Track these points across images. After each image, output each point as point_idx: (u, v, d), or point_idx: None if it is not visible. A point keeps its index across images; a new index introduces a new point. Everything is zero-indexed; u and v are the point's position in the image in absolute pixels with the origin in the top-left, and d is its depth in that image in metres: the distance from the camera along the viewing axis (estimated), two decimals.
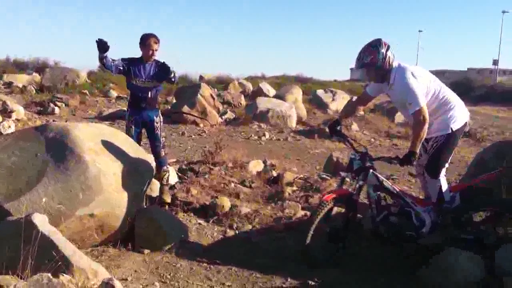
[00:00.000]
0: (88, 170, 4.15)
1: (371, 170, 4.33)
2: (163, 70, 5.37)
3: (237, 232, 5.18)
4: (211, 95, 15.90)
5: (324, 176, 7.54)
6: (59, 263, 3.19)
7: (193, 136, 12.56)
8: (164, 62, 5.45)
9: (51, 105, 16.05)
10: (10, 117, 13.20)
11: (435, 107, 4.22)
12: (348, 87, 30.38)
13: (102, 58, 5.13)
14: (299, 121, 15.90)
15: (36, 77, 21.80)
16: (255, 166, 7.54)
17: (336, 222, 4.44)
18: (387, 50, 4.17)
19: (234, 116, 16.17)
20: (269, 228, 5.24)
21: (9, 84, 19.73)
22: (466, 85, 35.32)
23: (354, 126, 14.48)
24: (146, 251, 4.44)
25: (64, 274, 3.12)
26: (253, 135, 13.05)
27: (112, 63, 5.27)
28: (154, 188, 5.71)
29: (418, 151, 4.10)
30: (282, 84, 26.33)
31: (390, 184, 4.48)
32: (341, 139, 4.80)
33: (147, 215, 4.66)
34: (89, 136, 4.49)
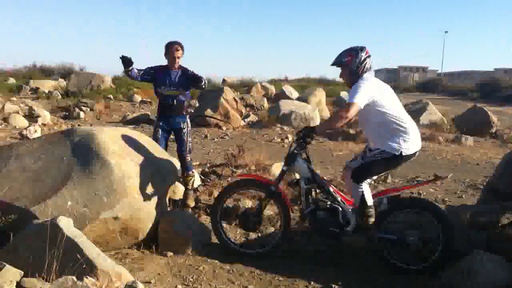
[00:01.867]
0: (113, 174, 4.20)
1: (298, 157, 4.45)
2: (194, 80, 5.47)
3: (259, 234, 5.17)
4: (234, 98, 15.94)
5: None
6: (84, 265, 3.22)
7: (216, 139, 12.60)
8: (194, 72, 5.56)
9: (76, 109, 16.31)
10: (36, 121, 13.49)
11: (389, 124, 4.18)
12: None
13: (127, 72, 5.28)
14: None
15: (62, 82, 22.23)
16: (278, 168, 7.50)
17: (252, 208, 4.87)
18: (365, 58, 4.23)
19: (257, 119, 16.17)
20: (291, 231, 5.22)
21: (35, 90, 20.14)
22: (493, 86, 34.64)
23: None
24: (169, 254, 4.46)
25: (88, 277, 3.15)
26: (276, 138, 13.02)
27: (137, 74, 5.41)
28: (177, 191, 5.73)
29: (319, 133, 4.26)
30: (304, 86, 26.25)
31: (325, 180, 4.66)
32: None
33: (170, 218, 4.68)
34: (113, 140, 4.54)
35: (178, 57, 5.51)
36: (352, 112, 4.00)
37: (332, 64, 4.37)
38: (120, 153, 4.45)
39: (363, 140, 12.61)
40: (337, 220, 4.40)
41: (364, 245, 4.42)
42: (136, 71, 5.35)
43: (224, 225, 5.34)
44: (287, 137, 12.94)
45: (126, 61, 5.21)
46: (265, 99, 20.04)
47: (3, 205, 3.84)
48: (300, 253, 4.73)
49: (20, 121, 13.27)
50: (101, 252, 3.48)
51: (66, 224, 3.50)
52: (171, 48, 5.47)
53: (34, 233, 3.48)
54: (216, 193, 6.20)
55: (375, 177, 4.47)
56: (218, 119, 14.37)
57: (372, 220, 4.25)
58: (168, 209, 5.09)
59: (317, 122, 15.23)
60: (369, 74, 4.26)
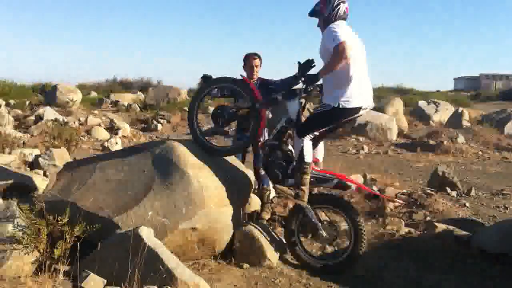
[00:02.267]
0: (191, 185, 4.26)
1: (297, 98, 4.41)
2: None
3: (336, 248, 5.05)
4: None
5: (429, 191, 7.19)
6: (164, 275, 3.28)
7: None
8: (273, 80, 5.56)
9: (154, 122, 16.86)
10: (117, 134, 14.08)
11: (337, 76, 4.05)
12: (453, 98, 28.97)
13: (208, 91, 5.32)
14: (400, 133, 15.38)
15: (140, 95, 23.11)
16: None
17: None
18: (338, 3, 4.15)
19: None
20: (370, 245, 5.06)
21: (116, 103, 21.04)
22: None
23: (461, 139, 13.72)
24: (246, 265, 4.44)
25: (168, 287, 3.19)
26: (350, 149, 12.81)
27: (217, 91, 5.46)
28: (252, 203, 5.73)
29: (321, 77, 4.09)
30: (380, 95, 25.68)
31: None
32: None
33: (246, 230, 4.67)
34: (191, 152, 4.60)
35: (257, 66, 5.53)
36: (348, 51, 3.83)
37: (309, 15, 4.35)
38: (198, 165, 4.51)
39: (443, 151, 12.16)
40: (286, 168, 4.47)
41: (288, 196, 4.42)
42: (216, 90, 5.39)
43: (301, 238, 5.28)
44: (362, 148, 12.68)
45: (207, 79, 5.23)
46: None
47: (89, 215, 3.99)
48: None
49: (102, 134, 13.89)
50: (180, 262, 3.53)
51: (147, 234, 3.59)
52: (249, 59, 5.50)
53: (117, 243, 3.60)
54: (291, 205, 6.15)
55: (317, 133, 4.35)
56: None
57: (306, 177, 4.25)
58: (244, 221, 5.09)
59: (394, 133, 14.84)
60: (341, 22, 4.17)
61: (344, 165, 8.56)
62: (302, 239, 4.85)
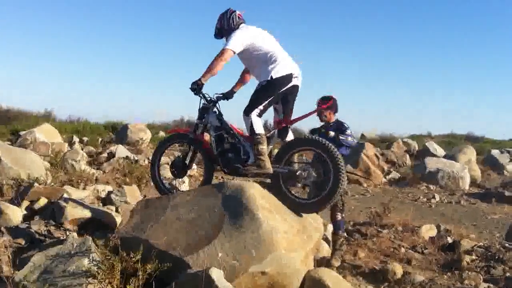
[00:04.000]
0: (261, 228, 4.21)
1: (210, 110, 5.11)
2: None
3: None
4: (375, 154, 15.57)
5: (507, 245, 6.75)
6: None
7: (356, 196, 12.29)
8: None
9: None
10: None
11: (260, 59, 4.79)
12: None
13: None
14: (473, 183, 14.74)
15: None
16: (428, 231, 7.05)
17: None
18: (230, 15, 4.91)
19: (399, 176, 15.56)
20: None
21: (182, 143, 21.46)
22: None
23: None
24: None
25: None
26: (421, 197, 12.35)
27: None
28: (321, 249, 5.60)
29: (204, 82, 4.77)
30: (450, 143, 24.88)
31: (229, 124, 5.09)
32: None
33: (317, 277, 4.53)
34: (261, 194, 4.59)
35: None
36: (227, 56, 4.66)
37: (215, 37, 5.08)
38: (268, 207, 4.47)
39: None
40: (240, 157, 4.88)
41: (256, 173, 4.75)
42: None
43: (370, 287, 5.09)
44: (433, 197, 12.20)
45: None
46: (407, 156, 19.26)
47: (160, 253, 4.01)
48: None
49: (168, 173, 14.10)
50: None
51: (218, 275, 3.57)
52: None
53: (188, 283, 3.60)
54: (361, 253, 5.96)
55: (261, 107, 4.79)
56: (359, 175, 14.05)
57: (262, 147, 4.64)
58: (313, 267, 4.96)
59: (467, 182, 14.25)
60: (243, 25, 4.92)
61: (415, 214, 8.26)
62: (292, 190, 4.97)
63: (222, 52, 4.67)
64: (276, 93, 4.79)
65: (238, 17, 4.95)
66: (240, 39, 4.73)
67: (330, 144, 4.57)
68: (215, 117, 5.11)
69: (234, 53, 4.71)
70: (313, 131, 5.99)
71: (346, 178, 4.64)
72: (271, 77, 4.69)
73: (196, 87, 4.83)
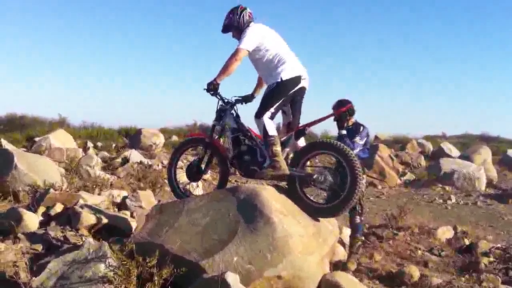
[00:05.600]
0: (276, 232, 4.20)
1: (228, 111, 5.10)
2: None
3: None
4: (390, 155, 15.47)
5: None
6: None
7: (371, 198, 12.21)
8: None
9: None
10: None
11: (270, 61, 4.80)
12: None
13: None
14: (489, 183, 14.57)
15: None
16: (444, 233, 6.98)
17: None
18: (241, 12, 4.94)
19: (414, 177, 15.44)
20: None
21: (195, 147, 21.48)
22: None
23: None
24: None
25: None
26: (437, 198, 12.23)
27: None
28: (337, 252, 5.56)
29: (220, 82, 4.78)
30: (465, 144, 24.62)
31: (246, 126, 5.08)
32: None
33: (333, 281, 4.50)
34: (276, 198, 4.58)
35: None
36: (241, 55, 4.68)
37: (222, 32, 5.11)
38: (283, 211, 4.45)
39: None
40: (257, 160, 4.87)
41: (272, 175, 4.70)
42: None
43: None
44: (449, 198, 12.08)
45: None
46: (422, 157, 19.11)
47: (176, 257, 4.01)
48: None
49: (184, 177, 14.13)
50: None
51: (233, 280, 3.57)
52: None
53: (204, 287, 3.57)
54: (377, 256, 5.91)
55: (273, 110, 4.79)
56: (374, 177, 13.97)
57: (276, 148, 4.63)
58: (329, 271, 4.93)
59: (483, 183, 14.09)
60: (253, 22, 4.94)
61: (431, 215, 8.18)
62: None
63: (236, 52, 4.69)
64: (286, 95, 4.79)
65: (249, 15, 4.97)
66: (253, 37, 4.75)
67: (347, 148, 4.53)
68: (232, 119, 5.11)
69: (248, 52, 4.73)
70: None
71: (364, 182, 4.60)
72: (281, 78, 4.71)
73: (212, 88, 4.83)
